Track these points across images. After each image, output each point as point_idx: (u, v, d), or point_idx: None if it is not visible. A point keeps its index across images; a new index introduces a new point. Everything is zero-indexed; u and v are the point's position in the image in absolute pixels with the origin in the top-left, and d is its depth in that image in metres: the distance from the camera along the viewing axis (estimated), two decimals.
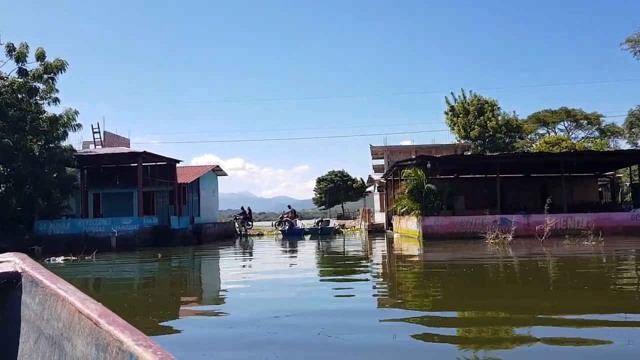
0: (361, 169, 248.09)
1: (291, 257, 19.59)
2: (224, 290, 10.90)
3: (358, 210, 65.10)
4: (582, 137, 64.50)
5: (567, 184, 35.97)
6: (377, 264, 16.13)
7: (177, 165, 33.43)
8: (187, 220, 33.57)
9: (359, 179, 60.61)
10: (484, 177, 33.32)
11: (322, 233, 34.47)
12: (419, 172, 23.00)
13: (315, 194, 62.60)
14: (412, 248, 20.95)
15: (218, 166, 39.25)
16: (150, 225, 28.75)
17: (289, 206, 40.55)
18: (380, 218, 34.95)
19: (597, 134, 65.64)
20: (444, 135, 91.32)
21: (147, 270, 15.86)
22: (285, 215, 38.96)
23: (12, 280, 1.88)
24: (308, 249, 23.13)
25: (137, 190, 29.15)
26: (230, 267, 16.31)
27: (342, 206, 62.38)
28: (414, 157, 26.86)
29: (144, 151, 28.48)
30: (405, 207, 23.34)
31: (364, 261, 16.47)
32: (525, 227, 22.59)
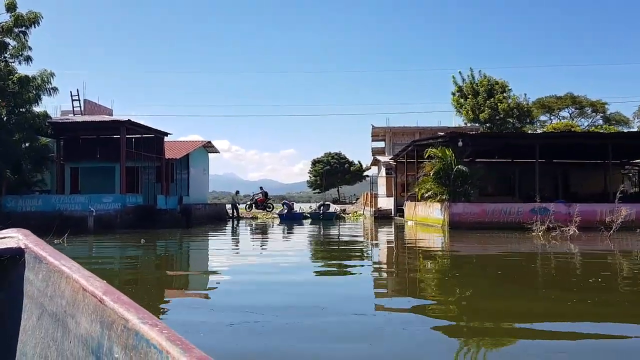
0: (357, 151, 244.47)
1: (301, 250, 16.53)
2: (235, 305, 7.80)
3: (354, 194, 62.27)
4: (587, 125, 62.08)
5: (591, 172, 33.40)
6: (414, 263, 13.06)
7: (165, 139, 30.07)
8: (175, 200, 30.35)
9: (356, 162, 57.54)
10: (501, 161, 30.46)
11: (325, 218, 31.48)
12: (447, 152, 19.96)
13: (310, 177, 59.27)
14: (438, 239, 17.99)
15: (210, 142, 35.88)
16: (134, 204, 25.50)
17: (260, 187, 37.54)
18: (386, 203, 31.95)
19: (601, 122, 63.24)
20: (447, 118, 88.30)
21: (126, 261, 12.52)
22: (255, 197, 37.05)
23: (15, 257, 1.86)
24: (313, 237, 20.09)
25: (119, 164, 25.80)
26: (237, 263, 13.16)
27: (338, 190, 59.27)
28: (442, 133, 23.72)
29: (128, 120, 25.09)
30: (430, 191, 20.33)
31: (384, 256, 13.51)
32: (566, 218, 19.65)
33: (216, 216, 33.73)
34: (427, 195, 20.58)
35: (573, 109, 64.57)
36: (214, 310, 6.41)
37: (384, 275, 10.08)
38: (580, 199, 23.83)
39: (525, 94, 46.81)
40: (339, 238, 18.77)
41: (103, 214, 23.75)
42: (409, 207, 26.95)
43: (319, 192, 60.61)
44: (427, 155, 21.02)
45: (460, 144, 20.02)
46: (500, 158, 28.48)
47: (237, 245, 17.02)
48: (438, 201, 20.59)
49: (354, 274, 10.02)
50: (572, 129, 45.43)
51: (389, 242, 17.78)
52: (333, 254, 13.67)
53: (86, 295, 1.46)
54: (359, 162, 57.41)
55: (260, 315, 5.74)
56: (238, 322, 5.49)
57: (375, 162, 38.61)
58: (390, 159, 31.65)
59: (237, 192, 37.50)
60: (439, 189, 20.09)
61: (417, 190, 21.49)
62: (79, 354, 1.45)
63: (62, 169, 30.26)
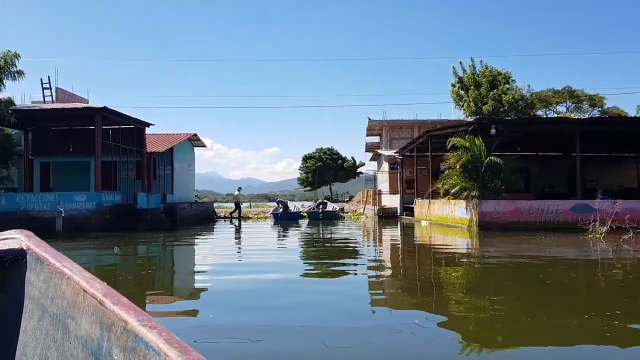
0: (349, 148, 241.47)
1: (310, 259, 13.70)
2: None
3: (347, 192, 59.43)
4: None
5: (606, 166, 31.04)
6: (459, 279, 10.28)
7: (147, 131, 26.99)
8: (158, 198, 27.32)
9: (349, 158, 54.74)
10: (517, 154, 27.89)
11: (324, 218, 28.66)
12: (476, 142, 17.23)
13: (301, 173, 56.18)
14: (468, 243, 15.27)
15: (195, 134, 32.75)
16: (111, 203, 22.43)
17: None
18: (389, 201, 29.19)
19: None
20: (447, 111, 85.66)
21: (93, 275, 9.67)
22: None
23: (17, 258, 1.87)
24: (326, 242, 17.26)
25: (95, 158, 22.72)
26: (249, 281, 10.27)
27: (330, 188, 56.31)
28: (470, 119, 20.95)
29: (104, 107, 21.95)
30: (456, 186, 17.59)
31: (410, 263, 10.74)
32: (610, 216, 17.07)
33: (203, 216, 30.74)
34: (453, 191, 17.81)
35: (570, 103, 62.71)
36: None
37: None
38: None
39: (529, 85, 44.41)
40: (359, 246, 15.95)
41: (75, 215, 20.73)
42: (420, 205, 24.21)
43: (310, 190, 57.59)
44: (449, 145, 18.29)
45: (492, 131, 17.31)
46: (513, 151, 25.90)
47: (233, 253, 14.09)
48: (463, 198, 17.86)
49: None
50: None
51: (424, 250, 15.01)
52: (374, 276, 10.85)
53: (87, 296, 1.46)
54: (353, 158, 54.74)
55: None
56: None
57: (376, 157, 35.82)
58: (395, 153, 28.91)
59: (240, 188, 34.40)
60: (466, 184, 17.37)
61: (440, 185, 18.71)
62: (78, 355, 1.45)
63: (30, 164, 27.11)
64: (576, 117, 36.82)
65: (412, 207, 27.22)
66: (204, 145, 34.90)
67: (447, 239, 16.55)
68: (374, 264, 11.00)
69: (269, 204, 72.51)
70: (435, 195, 26.13)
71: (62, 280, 1.62)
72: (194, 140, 33.85)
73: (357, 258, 11.96)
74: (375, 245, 15.51)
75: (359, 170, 55.47)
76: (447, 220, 20.12)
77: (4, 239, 1.95)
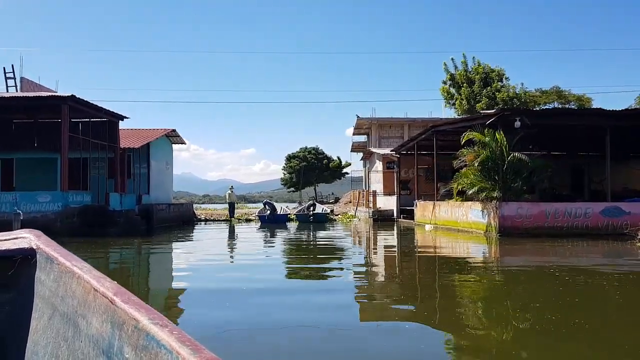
0: (330, 150, 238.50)
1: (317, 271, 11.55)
2: None
3: (332, 193, 57.18)
4: None
5: (615, 167, 29.35)
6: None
7: (122, 125, 24.52)
8: (133, 198, 24.92)
9: (335, 158, 52.52)
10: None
11: (316, 220, 26.48)
12: (498, 136, 15.22)
13: (284, 174, 53.72)
14: (500, 252, 13.28)
15: (174, 130, 30.27)
16: (79, 204, 20.00)
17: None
18: (384, 203, 27.13)
19: None
20: (438, 109, 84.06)
21: None
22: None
23: (27, 257, 1.88)
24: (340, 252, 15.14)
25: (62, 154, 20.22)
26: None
27: (315, 189, 53.98)
28: (490, 111, 18.90)
29: (72, 95, 19.45)
30: (474, 186, 15.53)
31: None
32: None
33: (181, 218, 28.32)
34: (470, 192, 15.75)
35: (557, 104, 61.71)
36: None
37: None
38: (604, 197, 19.36)
39: (522, 84, 42.88)
40: (369, 257, 13.83)
41: (38, 217, 18.35)
42: (422, 207, 22.18)
43: (294, 191, 55.13)
44: (464, 141, 16.27)
45: (517, 124, 15.30)
46: (525, 149, 24.05)
47: (220, 265, 11.82)
48: (480, 200, 15.86)
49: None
50: None
51: (444, 262, 12.94)
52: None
53: (97, 295, 1.46)
54: (338, 157, 52.45)
55: None
56: None
57: (368, 156, 33.66)
58: (392, 151, 26.83)
59: (232, 187, 32.15)
60: (485, 184, 15.34)
61: (454, 185, 16.64)
62: (89, 354, 1.45)
63: None
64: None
65: (411, 210, 25.25)
66: (183, 143, 32.41)
67: (463, 247, 14.50)
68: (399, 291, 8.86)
69: (248, 205, 70.10)
70: (429, 197, 24.30)
71: (72, 279, 1.62)
72: (173, 137, 31.39)
73: (376, 273, 9.81)
74: (391, 261, 13.41)
75: (344, 170, 53.32)
76: (457, 225, 18.12)
77: (14, 238, 1.96)
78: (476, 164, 15.42)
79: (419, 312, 6.21)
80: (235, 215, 30.14)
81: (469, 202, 17.10)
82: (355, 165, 52.54)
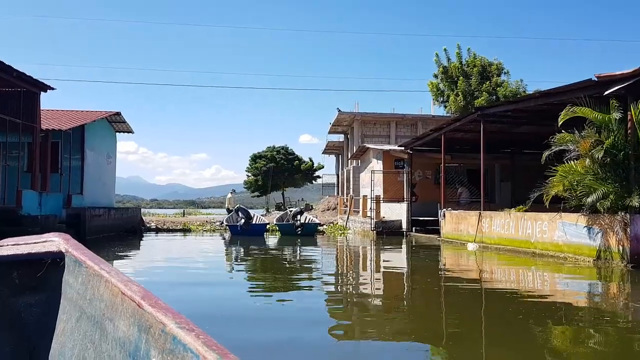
0: (301, 150, 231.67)
1: None
2: None
3: (302, 199, 51.16)
4: None
5: None
6: None
7: (47, 105, 18.10)
8: (59, 200, 18.48)
9: (307, 159, 46.52)
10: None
11: (304, 233, 20.52)
12: (633, 112, 9.71)
13: (248, 176, 47.09)
14: None
15: (119, 114, 23.63)
16: None
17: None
18: (387, 211, 21.45)
19: None
20: (427, 107, 79.51)
21: None
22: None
23: (56, 260, 1.88)
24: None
25: None
26: None
27: (283, 193, 47.63)
28: (597, 78, 13.33)
29: None
30: (595, 191, 9.88)
31: None
32: None
33: (126, 227, 21.84)
34: (590, 199, 10.08)
35: None
36: None
37: None
38: None
39: (522, 80, 38.20)
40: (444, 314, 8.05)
41: None
42: (456, 218, 16.50)
43: (259, 196, 48.61)
44: (561, 121, 10.76)
45: None
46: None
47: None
48: (588, 211, 10.32)
49: None
50: None
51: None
52: None
53: (125, 299, 1.46)
54: (310, 159, 46.37)
55: None
56: None
57: (359, 154, 27.82)
58: (400, 146, 21.18)
59: (233, 190, 26.52)
60: (606, 187, 9.80)
61: (552, 188, 10.99)
62: (116, 357, 1.44)
63: None
64: None
65: (424, 221, 19.69)
66: (129, 131, 25.71)
67: (576, 286, 8.92)
68: None
69: (201, 211, 63.16)
70: (433, 204, 19.12)
71: (100, 283, 1.62)
72: (117, 123, 24.76)
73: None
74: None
75: (316, 174, 47.34)
76: (531, 246, 12.57)
77: (44, 241, 1.96)
78: (600, 156, 9.84)
79: None
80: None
81: (556, 214, 11.57)
82: (329, 169, 46.83)
